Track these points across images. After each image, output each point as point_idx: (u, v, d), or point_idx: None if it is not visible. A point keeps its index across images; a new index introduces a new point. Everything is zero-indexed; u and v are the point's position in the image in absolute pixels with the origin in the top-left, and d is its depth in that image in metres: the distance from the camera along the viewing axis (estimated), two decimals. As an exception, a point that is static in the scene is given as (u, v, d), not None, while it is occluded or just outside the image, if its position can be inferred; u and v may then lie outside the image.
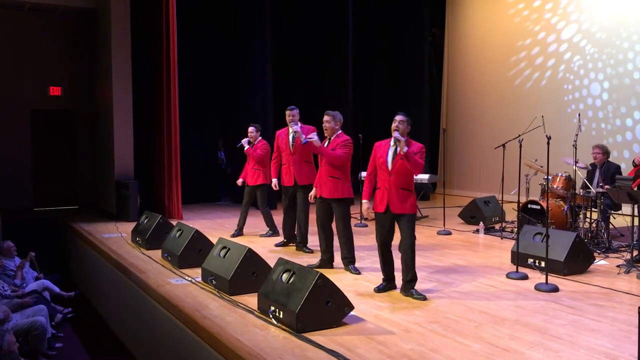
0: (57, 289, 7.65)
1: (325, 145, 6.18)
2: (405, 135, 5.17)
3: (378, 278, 5.80)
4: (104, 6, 10.36)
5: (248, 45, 11.54)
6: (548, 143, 5.60)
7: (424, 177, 9.45)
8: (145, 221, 7.65)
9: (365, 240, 7.86)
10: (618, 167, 7.86)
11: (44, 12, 11.38)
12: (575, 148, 7.30)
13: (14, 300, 6.27)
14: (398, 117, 5.21)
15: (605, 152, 7.92)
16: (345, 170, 6.10)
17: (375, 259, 6.73)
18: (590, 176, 7.94)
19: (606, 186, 7.21)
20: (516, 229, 7.44)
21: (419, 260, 6.66)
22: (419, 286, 5.32)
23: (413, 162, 5.07)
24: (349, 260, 6.16)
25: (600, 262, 6.45)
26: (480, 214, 8.97)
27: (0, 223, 8.89)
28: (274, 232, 8.17)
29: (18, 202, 11.11)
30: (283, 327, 4.31)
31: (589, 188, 7.48)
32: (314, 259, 6.46)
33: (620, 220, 8.12)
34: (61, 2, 10.76)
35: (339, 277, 5.74)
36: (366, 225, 9.11)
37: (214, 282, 5.41)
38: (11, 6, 11.00)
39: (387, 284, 5.44)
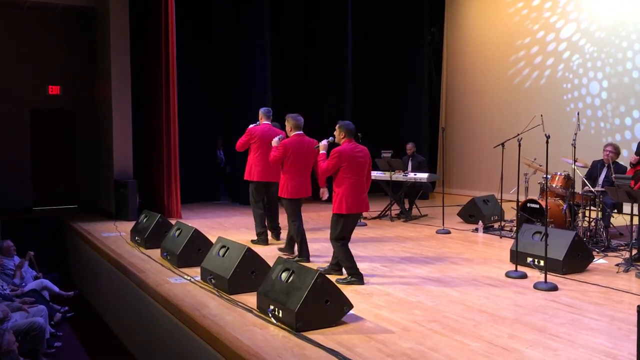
0: (56, 289, 7.65)
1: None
2: (341, 141, 5.65)
3: (377, 277, 5.82)
4: (103, 5, 10.35)
5: (247, 45, 11.53)
6: (547, 142, 5.60)
7: (423, 176, 9.45)
8: (144, 220, 7.64)
9: (364, 240, 7.87)
10: (626, 168, 7.87)
11: (43, 10, 11.37)
12: (574, 147, 7.30)
13: (14, 303, 6.27)
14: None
15: (618, 153, 7.93)
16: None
17: (373, 259, 6.74)
18: (595, 174, 7.92)
19: (605, 188, 7.20)
20: (515, 228, 7.44)
21: (418, 258, 6.69)
22: (417, 283, 5.36)
23: (317, 164, 5.74)
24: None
25: (599, 261, 6.45)
26: (480, 213, 8.97)
27: (0, 222, 8.88)
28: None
29: (17, 202, 11.10)
30: (282, 326, 4.31)
31: (589, 187, 7.48)
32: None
33: (619, 219, 8.12)
34: (60, 0, 10.75)
35: (338, 276, 5.75)
36: (365, 224, 9.11)
37: (213, 281, 5.41)
38: (10, 5, 10.99)
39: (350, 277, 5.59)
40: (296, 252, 6.63)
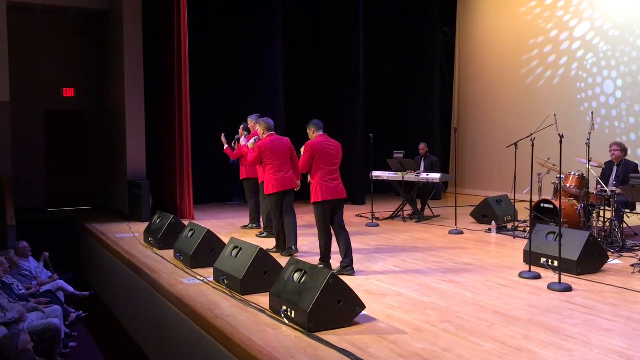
0: (71, 289, 7.71)
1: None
2: (313, 136, 6.08)
3: (389, 278, 5.81)
4: (116, 7, 10.44)
5: (259, 47, 11.58)
6: (561, 142, 5.56)
7: (435, 176, 9.41)
8: (157, 221, 7.69)
9: (376, 241, 7.86)
10: (636, 166, 7.76)
11: (56, 14, 11.49)
12: (589, 147, 7.24)
13: (29, 304, 6.33)
14: None
15: (624, 150, 7.82)
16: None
17: (386, 260, 6.74)
18: (607, 174, 7.85)
19: (619, 188, 7.12)
20: (529, 228, 7.39)
21: (431, 258, 6.67)
22: (430, 284, 5.37)
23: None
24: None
25: (614, 262, 6.39)
26: (493, 213, 8.92)
27: (15, 223, 8.97)
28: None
29: (32, 202, 11.21)
30: (295, 326, 4.31)
31: (604, 187, 7.41)
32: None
33: (634, 219, 8.04)
34: (74, 3, 10.87)
35: (350, 276, 5.75)
36: (377, 225, 9.10)
37: (226, 282, 5.43)
38: (25, 8, 11.10)
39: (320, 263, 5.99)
40: (296, 249, 6.93)
